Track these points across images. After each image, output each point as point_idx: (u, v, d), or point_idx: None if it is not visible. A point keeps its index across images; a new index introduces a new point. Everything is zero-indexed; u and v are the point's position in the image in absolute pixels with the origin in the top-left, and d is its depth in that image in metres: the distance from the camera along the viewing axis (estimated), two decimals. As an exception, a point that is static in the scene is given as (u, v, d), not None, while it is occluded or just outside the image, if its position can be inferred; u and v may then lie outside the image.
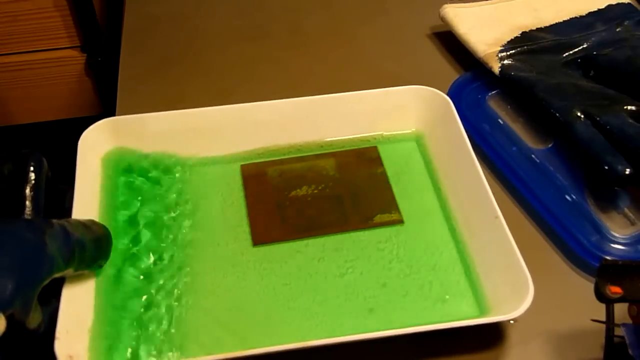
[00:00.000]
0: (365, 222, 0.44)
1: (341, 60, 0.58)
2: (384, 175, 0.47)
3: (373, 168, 0.47)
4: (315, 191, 0.46)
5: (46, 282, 0.31)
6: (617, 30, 0.57)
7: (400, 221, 0.44)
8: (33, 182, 0.36)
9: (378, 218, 0.44)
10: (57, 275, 0.32)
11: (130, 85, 0.54)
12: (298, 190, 0.46)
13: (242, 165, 0.47)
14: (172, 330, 0.38)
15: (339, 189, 0.46)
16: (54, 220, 0.33)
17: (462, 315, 0.39)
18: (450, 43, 0.59)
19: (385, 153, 0.48)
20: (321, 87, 0.50)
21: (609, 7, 0.60)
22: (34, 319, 0.31)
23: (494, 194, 0.42)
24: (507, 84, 0.53)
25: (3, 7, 0.81)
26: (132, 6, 0.63)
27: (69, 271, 0.33)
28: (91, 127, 0.44)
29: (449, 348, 0.39)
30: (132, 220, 0.43)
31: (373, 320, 0.39)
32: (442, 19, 0.59)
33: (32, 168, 0.36)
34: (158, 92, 0.54)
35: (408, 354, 0.38)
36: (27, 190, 0.35)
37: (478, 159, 0.44)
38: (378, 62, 0.58)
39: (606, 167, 0.44)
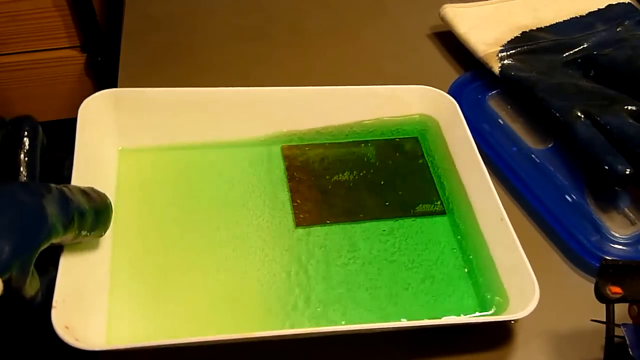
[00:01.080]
0: (408, 210, 0.44)
1: (341, 60, 0.58)
2: (425, 165, 0.47)
3: (413, 158, 0.48)
4: (357, 177, 0.46)
5: (44, 246, 0.30)
6: (618, 30, 0.57)
7: (443, 212, 0.45)
8: (27, 147, 0.35)
9: (420, 207, 0.45)
10: (55, 240, 0.31)
11: (130, 85, 0.54)
12: (340, 175, 0.46)
13: (283, 147, 0.47)
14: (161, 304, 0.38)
15: (381, 176, 0.46)
16: (53, 185, 0.31)
17: (463, 314, 0.39)
18: (450, 43, 0.59)
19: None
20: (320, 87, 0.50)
21: (609, 7, 0.60)
22: (31, 287, 0.30)
23: (494, 194, 0.42)
24: (507, 84, 0.53)
25: (3, 7, 0.81)
26: (132, 6, 0.63)
27: (68, 237, 0.32)
28: (91, 96, 0.43)
29: (450, 346, 0.39)
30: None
31: (376, 313, 0.39)
32: (442, 19, 0.59)
33: (26, 133, 0.35)
34: (158, 92, 0.54)
35: (408, 352, 0.38)
36: (22, 156, 0.34)
37: (478, 159, 0.44)
38: (378, 62, 0.58)
39: (606, 167, 0.44)
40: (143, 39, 0.59)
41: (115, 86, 0.54)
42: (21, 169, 0.34)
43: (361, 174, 0.46)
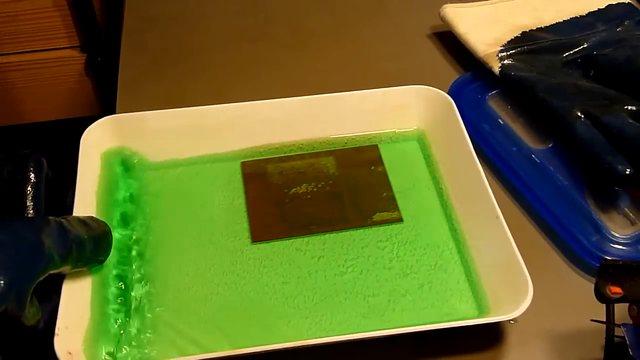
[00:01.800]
0: (365, 220, 0.44)
1: (341, 60, 0.58)
2: (384, 173, 0.47)
3: (373, 166, 0.47)
4: (315, 189, 0.46)
5: (41, 278, 0.31)
6: (618, 30, 0.57)
7: (399, 220, 0.44)
8: (33, 181, 0.36)
9: (378, 216, 0.44)
10: (53, 271, 0.32)
11: (130, 85, 0.54)
12: (298, 187, 0.46)
13: (242, 162, 0.47)
14: (165, 329, 0.38)
15: (339, 186, 0.46)
16: (51, 218, 0.33)
17: (461, 315, 0.39)
18: (450, 43, 0.59)
19: (386, 152, 0.48)
20: (321, 87, 0.50)
21: (609, 6, 0.60)
22: (31, 315, 0.31)
23: (494, 193, 0.42)
24: (507, 84, 0.53)
25: (3, 7, 0.81)
26: (132, 6, 0.63)
27: (67, 268, 0.33)
28: (93, 124, 0.44)
29: (449, 348, 0.39)
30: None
31: (372, 319, 0.39)
32: (442, 19, 0.59)
33: (31, 168, 0.37)
34: (158, 92, 0.54)
35: (407, 354, 0.38)
36: (28, 189, 0.36)
37: (478, 159, 0.44)
38: (378, 62, 0.58)
39: (606, 167, 0.44)
40: (143, 39, 0.59)
41: (116, 86, 0.54)
42: (27, 202, 0.36)
43: (319, 186, 0.46)
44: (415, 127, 0.50)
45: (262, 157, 0.47)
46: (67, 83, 0.93)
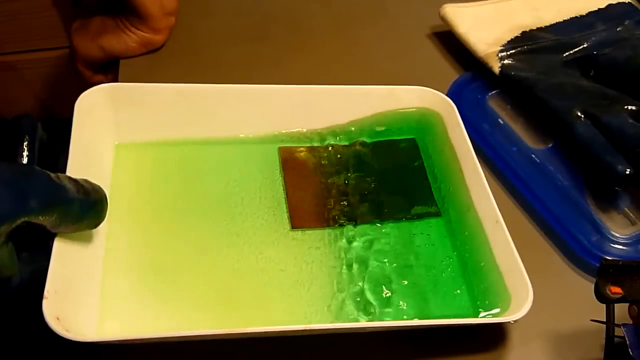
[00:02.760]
0: (404, 213, 0.44)
1: (341, 60, 0.58)
2: (421, 167, 0.47)
3: (410, 160, 0.48)
4: (352, 182, 0.46)
5: (16, 222, 0.30)
6: (618, 29, 0.57)
7: (438, 214, 0.44)
8: (27, 142, 0.36)
9: (415, 210, 0.45)
10: (30, 219, 0.31)
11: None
12: (336, 177, 0.46)
13: (280, 147, 0.47)
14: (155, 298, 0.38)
15: (377, 178, 0.46)
16: (37, 167, 0.32)
17: (460, 316, 0.39)
18: (450, 43, 0.59)
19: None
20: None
21: (610, 6, 0.60)
22: (6, 266, 0.30)
23: (494, 194, 0.42)
24: (507, 84, 0.53)
25: (2, 6, 0.81)
26: (132, 6, 0.63)
27: (49, 220, 0.32)
28: (88, 90, 0.43)
29: (449, 348, 0.39)
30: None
31: (369, 316, 0.39)
32: (442, 19, 0.59)
33: (26, 130, 0.36)
34: (158, 92, 0.54)
35: (407, 354, 0.39)
36: (21, 149, 0.36)
37: (478, 159, 0.44)
38: (378, 62, 0.58)
39: (606, 167, 0.44)
40: (143, 39, 0.59)
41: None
42: (20, 160, 0.36)
43: (357, 176, 0.46)
44: (417, 129, 0.50)
45: (299, 145, 0.48)
46: (67, 82, 0.93)
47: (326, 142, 0.48)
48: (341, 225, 0.43)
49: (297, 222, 0.43)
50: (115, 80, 0.55)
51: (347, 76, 0.56)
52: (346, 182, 0.46)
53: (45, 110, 0.95)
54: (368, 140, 0.49)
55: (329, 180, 0.46)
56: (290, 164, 0.46)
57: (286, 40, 0.60)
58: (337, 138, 0.48)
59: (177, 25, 0.58)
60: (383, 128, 0.49)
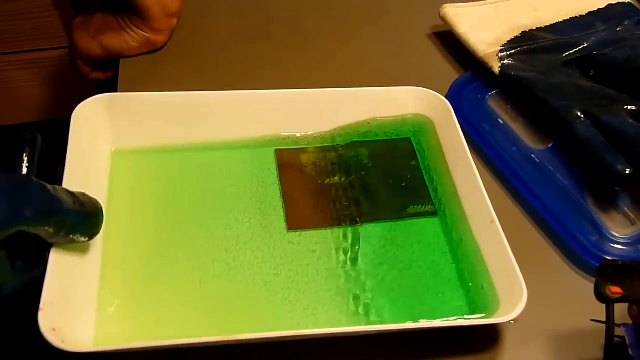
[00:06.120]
0: (400, 213, 0.44)
1: (341, 60, 0.58)
2: (417, 167, 0.47)
3: (406, 159, 0.48)
4: (347, 181, 0.46)
5: (10, 230, 0.30)
6: (617, 29, 0.57)
7: (434, 213, 0.44)
8: (27, 154, 0.36)
9: (412, 209, 0.45)
10: (25, 229, 0.31)
11: (130, 85, 0.54)
12: (332, 178, 0.46)
13: (276, 150, 0.47)
14: (153, 306, 0.38)
15: (373, 178, 0.46)
16: (34, 178, 0.32)
17: (455, 315, 0.39)
18: (450, 43, 0.59)
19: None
20: (321, 87, 0.49)
21: (609, 6, 0.60)
22: None
23: (494, 194, 0.42)
24: (507, 84, 0.53)
25: (2, 6, 0.81)
26: (132, 6, 0.63)
27: (44, 231, 0.32)
28: (85, 101, 0.44)
29: (449, 348, 0.39)
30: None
31: (365, 318, 0.39)
32: (442, 19, 0.59)
33: (26, 143, 0.36)
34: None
35: (405, 355, 0.38)
36: (21, 161, 0.36)
37: (478, 159, 0.44)
38: (378, 62, 0.58)
39: (606, 167, 0.45)
40: (143, 39, 0.59)
41: (116, 86, 0.54)
42: (20, 171, 0.36)
43: (353, 177, 0.46)
44: (412, 129, 0.50)
45: (296, 147, 0.48)
46: (67, 82, 0.93)
47: (323, 144, 0.48)
48: (339, 226, 0.43)
49: (294, 223, 0.43)
50: (115, 78, 0.55)
51: (347, 76, 0.56)
52: (343, 182, 0.46)
53: (45, 110, 0.95)
54: (364, 140, 0.49)
55: (325, 181, 0.46)
56: (287, 166, 0.46)
57: (286, 40, 0.60)
58: (334, 140, 0.48)
59: (178, 25, 0.58)
60: (379, 131, 0.49)
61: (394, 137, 0.49)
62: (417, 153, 0.49)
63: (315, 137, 0.48)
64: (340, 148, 0.48)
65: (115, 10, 0.54)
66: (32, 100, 0.94)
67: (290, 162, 0.47)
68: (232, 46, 0.59)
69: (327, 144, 0.48)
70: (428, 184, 0.46)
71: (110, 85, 0.57)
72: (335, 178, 0.46)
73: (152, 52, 0.57)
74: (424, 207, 0.45)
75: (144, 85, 0.54)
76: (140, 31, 0.54)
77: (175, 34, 0.58)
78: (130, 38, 0.54)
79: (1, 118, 0.95)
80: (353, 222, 0.44)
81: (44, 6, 0.83)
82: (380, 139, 0.49)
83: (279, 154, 0.47)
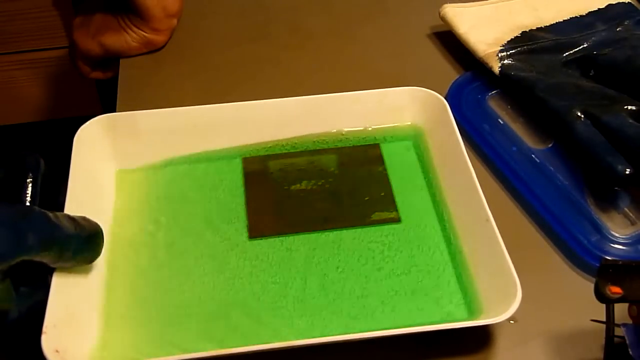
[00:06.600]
0: (363, 219, 0.44)
1: (341, 60, 0.58)
2: (384, 173, 0.47)
3: (374, 166, 0.48)
4: (315, 187, 0.46)
5: (14, 260, 0.31)
6: (618, 29, 0.57)
7: (397, 220, 0.44)
8: (30, 182, 0.37)
9: (376, 216, 0.44)
10: (28, 257, 0.32)
11: (130, 85, 0.54)
12: (298, 184, 0.46)
13: (243, 159, 0.47)
14: (155, 324, 0.38)
15: (339, 185, 0.46)
16: (36, 207, 0.33)
17: (453, 317, 0.39)
18: (450, 43, 0.59)
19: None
20: (321, 87, 0.50)
21: (609, 6, 0.60)
22: (2, 301, 0.31)
23: (494, 193, 0.42)
24: (507, 84, 0.53)
25: (2, 6, 0.81)
26: (132, 6, 0.63)
27: (47, 258, 0.33)
28: (87, 123, 0.44)
29: (449, 348, 0.39)
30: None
31: (362, 321, 0.39)
32: (442, 19, 0.59)
33: (30, 169, 0.37)
34: (158, 92, 0.54)
35: (399, 357, 0.38)
36: (25, 190, 0.37)
37: (478, 159, 0.44)
38: (378, 62, 0.58)
39: (606, 167, 0.44)
40: (143, 39, 0.59)
41: (116, 86, 0.54)
42: (24, 197, 0.37)
43: (320, 183, 0.46)
44: (410, 129, 0.50)
45: (264, 154, 0.48)
46: (67, 82, 0.93)
47: (295, 149, 0.48)
48: (301, 232, 0.43)
49: (255, 231, 0.43)
50: (115, 78, 0.56)
51: (346, 76, 0.56)
52: (308, 189, 0.46)
53: (45, 110, 0.95)
54: (333, 147, 0.49)
55: (291, 188, 0.46)
56: (253, 173, 0.47)
57: (286, 40, 0.60)
58: (314, 144, 0.49)
59: (178, 25, 0.58)
60: (375, 134, 0.50)
61: (364, 144, 0.49)
62: (415, 156, 0.48)
63: (290, 141, 0.49)
64: (309, 154, 0.48)
65: (115, 10, 0.54)
66: (32, 100, 0.94)
67: (256, 169, 0.47)
68: (232, 46, 0.59)
69: (298, 150, 0.48)
70: (427, 190, 0.46)
71: (110, 85, 0.57)
72: (302, 184, 0.46)
73: (152, 52, 0.57)
74: (387, 214, 0.45)
75: (144, 84, 0.54)
76: (140, 31, 0.54)
77: (175, 34, 0.58)
78: (130, 38, 0.54)
79: (1, 118, 0.95)
80: (319, 228, 0.44)
81: (44, 6, 0.83)
82: (353, 144, 0.49)
83: (246, 162, 0.47)
